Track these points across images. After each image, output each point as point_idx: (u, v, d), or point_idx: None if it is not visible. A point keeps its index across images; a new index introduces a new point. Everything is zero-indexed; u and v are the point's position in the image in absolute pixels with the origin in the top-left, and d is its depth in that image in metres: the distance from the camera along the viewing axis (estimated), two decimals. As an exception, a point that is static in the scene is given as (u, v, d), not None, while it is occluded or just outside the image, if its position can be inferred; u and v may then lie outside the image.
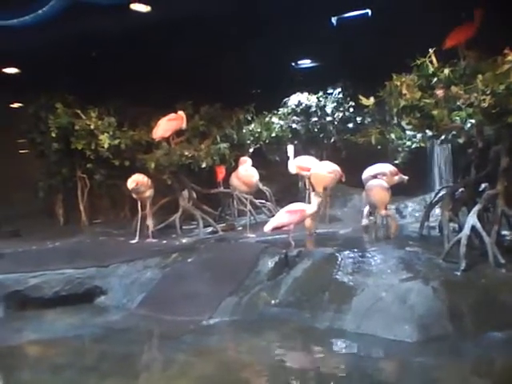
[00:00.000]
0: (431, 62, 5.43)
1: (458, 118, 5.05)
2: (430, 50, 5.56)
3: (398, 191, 7.17)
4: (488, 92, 4.87)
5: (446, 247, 5.36)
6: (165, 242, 7.20)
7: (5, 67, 9.40)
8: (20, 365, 4.55)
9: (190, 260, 6.19)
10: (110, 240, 7.56)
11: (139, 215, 7.44)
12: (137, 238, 7.31)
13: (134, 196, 7.53)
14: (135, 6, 7.52)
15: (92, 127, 8.30)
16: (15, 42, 7.66)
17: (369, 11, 7.93)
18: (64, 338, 5.13)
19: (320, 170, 6.97)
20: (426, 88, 5.44)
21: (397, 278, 4.98)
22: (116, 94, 8.85)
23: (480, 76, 5.04)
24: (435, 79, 5.32)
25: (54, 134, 8.49)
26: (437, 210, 6.73)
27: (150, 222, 7.50)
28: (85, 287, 5.88)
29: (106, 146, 8.16)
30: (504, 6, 6.28)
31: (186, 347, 4.70)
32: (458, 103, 5.10)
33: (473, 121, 5.04)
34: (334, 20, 8.12)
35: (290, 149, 7.45)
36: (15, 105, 10.02)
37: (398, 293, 4.74)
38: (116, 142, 8.16)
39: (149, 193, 7.55)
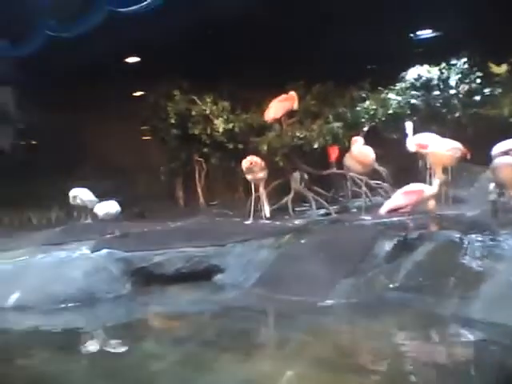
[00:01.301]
0: None
1: None
2: None
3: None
4: None
5: None
6: (278, 223, 7.20)
7: (125, 57, 10.03)
8: (146, 336, 4.82)
9: (303, 241, 6.11)
10: (226, 220, 7.76)
11: (253, 197, 7.52)
12: (251, 218, 7.41)
13: (248, 178, 7.62)
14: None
15: (207, 112, 8.57)
16: (133, 32, 8.11)
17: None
18: (185, 313, 5.37)
19: (439, 148, 6.48)
20: None
21: (533, 263, 4.46)
22: (229, 79, 9.01)
23: None
24: None
25: (173, 121, 8.92)
26: None
27: (264, 203, 7.54)
28: (203, 265, 6.08)
29: (220, 130, 8.39)
30: None
31: (301, 327, 4.66)
32: None
33: None
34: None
35: (409, 126, 7.02)
36: (136, 93, 10.67)
37: (535, 280, 4.25)
38: (230, 125, 8.35)
39: (262, 174, 7.58)
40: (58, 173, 9.24)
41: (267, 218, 7.43)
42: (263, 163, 7.56)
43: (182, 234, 6.77)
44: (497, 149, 6.20)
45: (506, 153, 6.05)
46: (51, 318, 5.39)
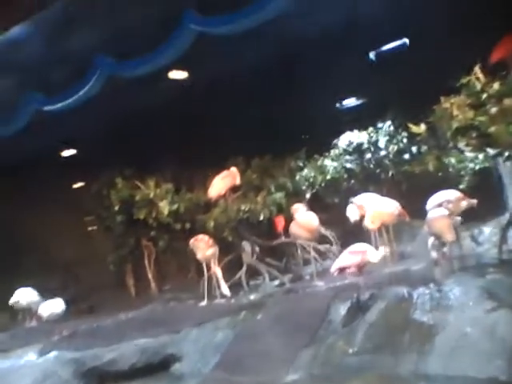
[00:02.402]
0: (478, 78, 5.22)
1: (516, 131, 4.75)
2: (475, 66, 5.38)
3: (469, 217, 6.74)
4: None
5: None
6: (233, 300, 7.12)
7: (66, 149, 10.04)
8: None
9: (259, 317, 6.05)
10: (180, 305, 7.62)
11: (205, 276, 7.44)
12: (205, 299, 7.29)
13: (199, 257, 7.59)
14: (173, 75, 7.87)
15: (151, 196, 8.58)
16: (71, 124, 8.22)
17: (406, 40, 7.85)
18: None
19: (377, 208, 6.74)
20: (478, 106, 5.21)
21: (481, 309, 4.59)
22: (170, 160, 9.16)
23: (534, 84, 4.77)
24: (485, 95, 5.08)
25: (116, 208, 8.84)
26: (514, 231, 6.23)
27: (220, 281, 7.45)
28: (159, 356, 5.87)
29: (165, 212, 8.38)
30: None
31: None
32: (515, 116, 4.82)
33: (534, 132, 4.72)
34: (372, 54, 8.10)
35: (352, 208, 7.25)
36: (79, 184, 10.60)
37: (485, 326, 4.36)
38: (175, 206, 8.37)
39: (211, 252, 7.57)
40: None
41: (224, 296, 7.33)
42: (211, 240, 7.57)
43: (135, 325, 6.56)
44: (431, 202, 6.50)
45: (440, 205, 6.35)
46: None
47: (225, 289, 7.36)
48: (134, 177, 9.05)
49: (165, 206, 8.46)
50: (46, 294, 7.87)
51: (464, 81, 5.28)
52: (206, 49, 7.22)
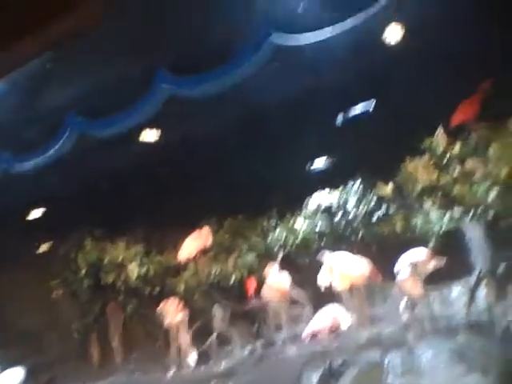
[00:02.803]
0: (440, 140, 5.37)
1: (478, 191, 4.83)
2: (438, 128, 5.55)
3: (438, 277, 6.71)
4: (503, 162, 4.70)
5: (498, 331, 4.85)
6: (202, 369, 6.82)
7: (31, 210, 9.80)
8: None
9: (229, 386, 5.79)
10: (145, 376, 7.23)
11: (174, 344, 7.15)
12: (173, 369, 6.96)
13: (167, 323, 7.33)
14: (143, 138, 7.91)
15: (120, 259, 8.37)
16: (38, 185, 8.06)
17: (372, 104, 8.11)
18: None
19: (348, 269, 6.69)
20: (441, 167, 5.32)
21: (452, 373, 4.48)
22: (141, 221, 9.01)
23: (492, 147, 4.91)
24: (447, 156, 5.21)
25: (84, 271, 8.57)
26: (483, 292, 6.20)
27: (188, 349, 7.16)
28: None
29: (134, 275, 8.15)
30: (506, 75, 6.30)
31: None
32: (476, 177, 4.92)
33: (494, 193, 4.81)
34: (340, 117, 8.32)
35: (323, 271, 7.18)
36: (45, 247, 10.29)
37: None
38: (144, 269, 8.15)
39: (181, 317, 7.34)
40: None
41: (193, 365, 7.02)
42: (181, 305, 7.35)
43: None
44: (399, 263, 6.47)
45: (408, 265, 6.32)
46: None
47: (193, 358, 7.06)
48: (104, 238, 8.84)
49: (134, 269, 8.24)
50: (5, 362, 7.42)
51: (427, 142, 5.41)
52: (177, 109, 7.30)
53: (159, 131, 8.51)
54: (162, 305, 7.39)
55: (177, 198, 8.93)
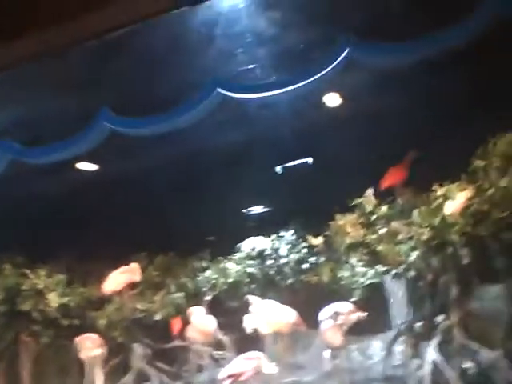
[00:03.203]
0: (369, 200, 5.74)
1: (401, 251, 5.19)
2: (369, 188, 5.93)
3: (359, 330, 6.98)
4: (425, 225, 5.10)
5: (412, 386, 5.11)
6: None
7: None
8: None
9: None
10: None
11: (87, 379, 6.87)
12: (84, 406, 6.67)
13: (83, 357, 7.08)
14: (79, 166, 7.85)
15: (40, 286, 8.01)
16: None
17: (310, 160, 8.55)
18: None
19: (272, 315, 6.81)
20: (368, 225, 5.67)
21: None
22: (66, 251, 8.73)
23: (416, 211, 5.32)
24: (374, 216, 5.57)
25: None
26: (400, 347, 6.52)
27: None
28: None
29: (54, 305, 7.81)
30: (429, 143, 6.90)
31: None
32: (400, 237, 5.28)
33: (416, 253, 5.18)
34: (278, 169, 8.69)
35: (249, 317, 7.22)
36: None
37: None
38: (65, 300, 7.84)
39: (99, 352, 7.11)
40: None
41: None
42: (100, 340, 7.12)
43: None
44: (323, 313, 6.69)
45: (331, 316, 6.54)
46: None
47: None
48: (25, 265, 8.44)
49: (54, 299, 7.89)
50: None
51: (357, 201, 5.76)
52: (116, 146, 7.34)
53: (94, 164, 8.48)
54: (79, 338, 7.10)
55: (107, 231, 8.78)
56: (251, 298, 7.22)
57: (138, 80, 6.71)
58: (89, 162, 8.38)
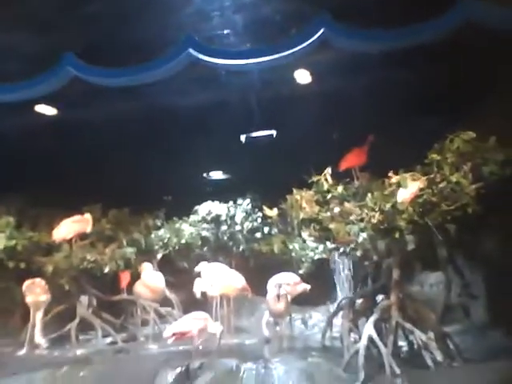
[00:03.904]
0: (326, 179, 5.92)
1: (351, 231, 5.42)
2: (327, 168, 6.10)
3: (303, 301, 7.29)
4: (377, 209, 5.34)
5: (346, 358, 5.44)
6: (57, 353, 6.66)
7: None
8: None
9: (81, 374, 5.71)
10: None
11: (30, 323, 6.89)
12: (25, 348, 6.70)
13: (28, 301, 7.08)
14: (40, 109, 7.63)
15: (-13, 227, 7.84)
16: None
17: (274, 132, 8.64)
18: None
19: (221, 279, 6.99)
20: (323, 203, 5.87)
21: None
22: (18, 194, 8.55)
23: (370, 195, 5.55)
24: (330, 195, 5.76)
25: None
26: (339, 320, 6.87)
27: (38, 330, 6.96)
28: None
29: (0, 246, 7.68)
30: (391, 130, 7.14)
31: None
32: (351, 218, 5.51)
33: (365, 235, 5.42)
34: (242, 138, 8.74)
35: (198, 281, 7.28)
36: None
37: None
38: (12, 242, 7.71)
39: (44, 298, 7.13)
40: None
41: (45, 348, 6.81)
42: (46, 286, 7.12)
43: None
44: (270, 282, 6.94)
45: (277, 286, 6.79)
46: None
47: (41, 340, 6.91)
48: (-27, 204, 8.22)
49: (1, 241, 7.75)
50: None
51: (315, 179, 5.93)
52: (79, 91, 7.18)
53: (56, 108, 8.26)
54: (28, 282, 7.08)
55: (63, 178, 8.63)
56: (202, 263, 7.36)
57: (109, 29, 6.55)
58: (48, 105, 8.15)
